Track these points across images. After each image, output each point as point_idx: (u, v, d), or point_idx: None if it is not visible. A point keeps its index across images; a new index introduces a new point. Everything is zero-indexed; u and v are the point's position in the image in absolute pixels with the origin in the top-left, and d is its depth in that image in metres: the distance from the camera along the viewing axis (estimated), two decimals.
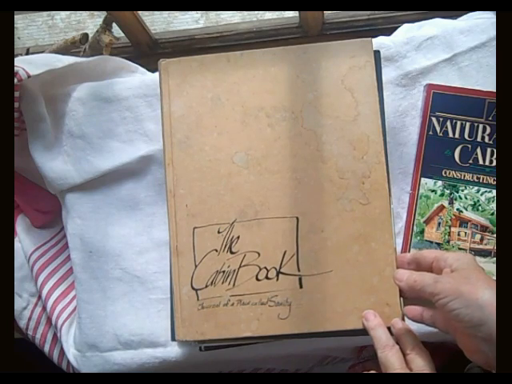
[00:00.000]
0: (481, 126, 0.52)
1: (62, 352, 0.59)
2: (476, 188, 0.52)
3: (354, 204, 0.49)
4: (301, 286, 0.48)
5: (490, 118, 0.52)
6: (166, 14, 0.94)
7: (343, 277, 0.48)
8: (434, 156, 0.53)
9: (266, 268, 0.49)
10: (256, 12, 0.91)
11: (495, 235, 0.51)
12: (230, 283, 0.49)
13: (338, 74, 0.50)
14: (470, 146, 0.52)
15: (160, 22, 0.94)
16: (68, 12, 0.97)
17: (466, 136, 0.52)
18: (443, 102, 0.53)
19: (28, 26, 0.97)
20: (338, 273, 0.48)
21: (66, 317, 0.58)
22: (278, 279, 0.48)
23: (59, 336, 0.58)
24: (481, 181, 0.52)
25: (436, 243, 0.52)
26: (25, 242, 0.61)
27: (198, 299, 0.49)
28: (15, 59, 0.52)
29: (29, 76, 0.51)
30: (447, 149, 0.53)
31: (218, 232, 0.49)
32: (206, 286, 0.49)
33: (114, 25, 0.68)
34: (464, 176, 0.52)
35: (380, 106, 0.50)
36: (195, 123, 0.51)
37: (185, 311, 0.49)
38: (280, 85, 0.50)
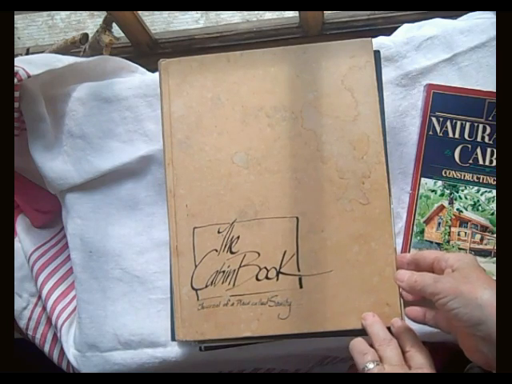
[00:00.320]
0: (481, 125, 0.52)
1: (62, 352, 0.59)
2: (476, 188, 0.52)
3: (354, 204, 0.49)
4: (301, 286, 0.48)
5: (490, 118, 0.52)
6: (166, 13, 0.94)
7: (343, 277, 0.48)
8: (434, 156, 0.53)
9: (266, 268, 0.49)
10: (256, 12, 0.91)
11: (495, 235, 0.51)
12: (230, 283, 0.49)
13: (338, 74, 0.50)
14: (469, 146, 0.52)
15: (160, 22, 0.94)
16: (68, 12, 0.97)
17: (466, 136, 0.52)
18: (443, 101, 0.53)
19: (28, 26, 0.97)
20: (337, 273, 0.48)
21: (65, 317, 0.58)
22: (277, 279, 0.49)
23: (59, 336, 0.58)
24: (481, 181, 0.52)
25: (436, 243, 0.52)
26: (25, 241, 0.61)
27: (198, 299, 0.49)
28: (15, 59, 0.52)
29: (29, 76, 0.51)
30: (447, 149, 0.53)
31: (218, 232, 0.49)
32: (206, 286, 0.49)
33: (114, 25, 0.68)
34: (464, 176, 0.52)
35: (380, 106, 0.50)
36: (195, 123, 0.51)
37: (185, 311, 0.49)
38: (280, 85, 0.50)
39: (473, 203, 0.52)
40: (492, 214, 0.52)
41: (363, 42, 0.50)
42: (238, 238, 0.49)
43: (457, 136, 0.53)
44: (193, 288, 0.49)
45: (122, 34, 0.70)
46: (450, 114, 0.53)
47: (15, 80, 0.50)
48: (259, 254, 0.49)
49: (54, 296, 0.59)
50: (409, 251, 0.53)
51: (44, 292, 0.59)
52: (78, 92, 0.57)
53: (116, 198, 0.56)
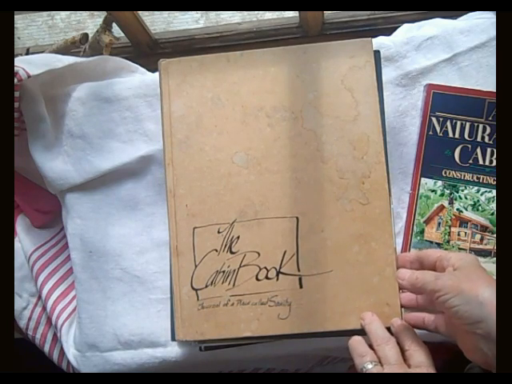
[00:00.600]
0: (481, 125, 0.52)
1: (62, 352, 0.59)
2: (476, 188, 0.52)
3: (354, 204, 0.49)
4: (301, 286, 0.48)
5: (490, 118, 0.52)
6: (166, 13, 0.94)
7: (343, 277, 0.48)
8: (434, 156, 0.53)
9: (265, 268, 0.49)
10: (256, 12, 0.91)
11: (495, 235, 0.51)
12: (229, 283, 0.49)
13: (338, 74, 0.50)
14: (470, 146, 0.52)
15: (160, 22, 0.94)
16: (68, 12, 0.97)
17: (466, 136, 0.52)
18: (443, 101, 0.53)
19: (28, 26, 0.97)
20: (337, 273, 0.48)
21: (65, 317, 0.58)
22: (277, 279, 0.48)
23: (59, 336, 0.58)
24: (481, 181, 0.52)
25: (436, 243, 0.52)
26: (25, 241, 0.61)
27: (197, 299, 0.49)
28: (15, 59, 0.52)
29: (29, 76, 0.51)
30: (447, 149, 0.53)
31: (218, 232, 0.49)
32: (206, 286, 0.49)
33: (114, 25, 0.68)
34: (464, 176, 0.52)
35: (380, 106, 0.50)
36: (195, 123, 0.51)
37: (185, 311, 0.49)
38: (280, 85, 0.50)
39: (473, 203, 0.52)
40: (492, 214, 0.52)
41: (363, 41, 0.50)
42: (238, 237, 0.49)
43: (457, 136, 0.53)
44: (193, 288, 0.49)
45: (122, 34, 0.70)
46: (450, 114, 0.53)
47: (15, 80, 0.50)
48: (259, 254, 0.49)
49: (54, 296, 0.59)
50: (409, 251, 0.53)
51: (44, 292, 0.59)
52: (78, 92, 0.57)
53: (116, 198, 0.56)
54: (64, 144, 0.56)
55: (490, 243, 0.52)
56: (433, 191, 0.53)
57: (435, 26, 0.56)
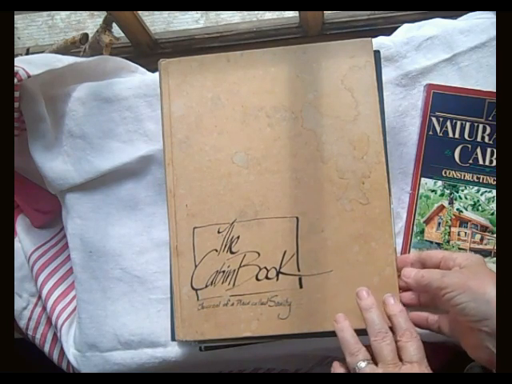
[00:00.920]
0: (481, 125, 0.52)
1: (62, 352, 0.59)
2: (476, 188, 0.52)
3: (354, 204, 0.49)
4: (301, 286, 0.48)
5: (490, 118, 0.52)
6: (166, 13, 0.94)
7: (343, 277, 0.48)
8: (434, 156, 0.53)
9: (265, 268, 0.49)
10: (256, 12, 0.91)
11: (495, 235, 0.51)
12: (229, 283, 0.49)
13: (338, 74, 0.50)
14: (470, 146, 0.52)
15: (160, 22, 0.94)
16: (68, 12, 0.97)
17: (466, 136, 0.52)
18: (443, 101, 0.53)
19: (28, 26, 0.97)
20: (337, 273, 0.48)
21: (65, 317, 0.58)
22: (277, 279, 0.49)
23: (59, 336, 0.58)
24: (481, 181, 0.52)
25: (436, 243, 0.52)
26: (25, 241, 0.61)
27: (197, 299, 0.49)
28: (15, 59, 0.52)
29: (29, 76, 0.51)
30: (447, 149, 0.53)
31: (218, 232, 0.49)
32: (206, 286, 0.49)
33: (114, 25, 0.68)
34: (464, 176, 0.52)
35: (380, 106, 0.50)
36: (195, 123, 0.51)
37: (185, 311, 0.49)
38: (280, 85, 0.50)
39: (473, 203, 0.52)
40: (492, 214, 0.52)
41: (363, 41, 0.50)
42: (238, 237, 0.49)
43: (457, 136, 0.53)
44: (193, 288, 0.49)
45: (122, 34, 0.70)
46: (450, 114, 0.53)
47: (15, 80, 0.50)
48: (259, 254, 0.49)
49: (54, 296, 0.59)
50: (409, 251, 0.53)
51: (44, 292, 0.59)
52: (78, 92, 0.57)
53: (116, 198, 0.56)
54: (64, 144, 0.56)
55: (490, 243, 0.52)
56: (433, 191, 0.53)
57: (435, 26, 0.56)
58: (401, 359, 0.42)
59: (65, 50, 0.69)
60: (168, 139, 0.51)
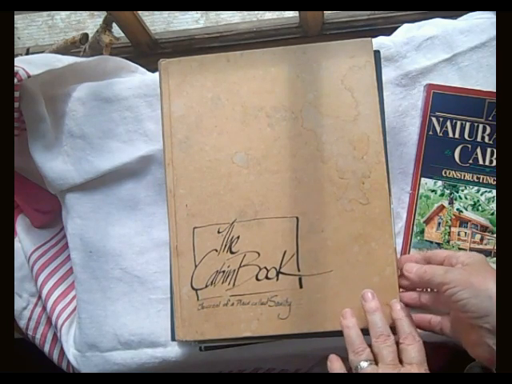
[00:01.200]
0: (481, 125, 0.52)
1: (62, 352, 0.59)
2: (476, 188, 0.52)
3: (354, 204, 0.49)
4: (301, 286, 0.48)
5: (490, 118, 0.52)
6: (166, 13, 0.94)
7: (343, 277, 0.48)
8: (434, 156, 0.53)
9: (265, 268, 0.49)
10: (256, 12, 0.91)
11: (495, 235, 0.51)
12: (229, 283, 0.49)
13: (338, 73, 0.50)
14: (470, 146, 0.52)
15: (160, 22, 0.94)
16: (68, 12, 0.97)
17: (466, 136, 0.52)
18: (443, 102, 0.53)
19: (28, 26, 0.97)
20: (337, 273, 0.48)
21: (65, 317, 0.58)
22: (277, 279, 0.49)
23: (59, 336, 0.58)
24: (481, 181, 0.52)
25: (436, 243, 0.52)
26: (25, 241, 0.61)
27: (197, 299, 0.49)
28: (15, 59, 0.52)
29: (29, 76, 0.51)
30: (447, 149, 0.53)
31: (218, 232, 0.49)
32: (206, 286, 0.49)
33: (114, 25, 0.68)
34: (464, 176, 0.52)
35: (380, 106, 0.50)
36: (195, 123, 0.51)
37: (185, 311, 0.49)
38: (280, 85, 0.50)
39: (473, 203, 0.52)
40: (492, 214, 0.52)
41: (363, 41, 0.50)
42: (238, 237, 0.49)
43: (457, 136, 0.53)
44: (193, 288, 0.49)
45: (122, 34, 0.70)
46: (450, 114, 0.53)
47: (15, 80, 0.50)
48: (259, 254, 0.49)
49: (54, 296, 0.59)
50: (409, 251, 0.53)
51: (44, 292, 0.59)
52: (78, 92, 0.57)
53: (116, 198, 0.56)
54: (64, 144, 0.56)
55: (490, 243, 0.52)
56: (433, 191, 0.53)
57: (435, 26, 0.56)
58: (401, 361, 0.42)
59: (65, 50, 0.69)
60: (168, 139, 0.51)
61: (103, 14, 0.67)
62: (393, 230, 0.49)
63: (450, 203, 0.52)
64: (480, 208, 0.52)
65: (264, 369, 0.62)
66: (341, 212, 0.49)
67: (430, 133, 0.53)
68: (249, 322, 0.48)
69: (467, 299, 0.38)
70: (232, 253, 0.49)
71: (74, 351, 0.57)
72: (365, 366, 0.42)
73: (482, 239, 0.52)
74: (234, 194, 0.50)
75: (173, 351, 0.54)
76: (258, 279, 0.49)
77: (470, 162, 0.52)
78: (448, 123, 0.53)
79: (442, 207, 0.52)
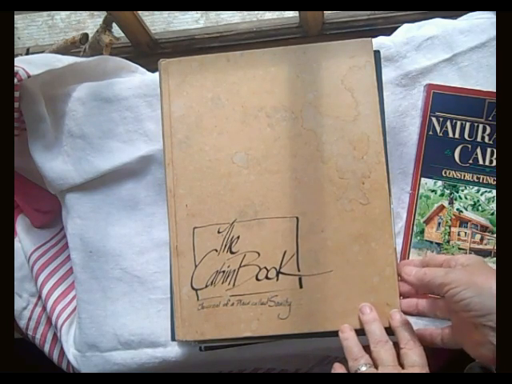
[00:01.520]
0: (481, 125, 0.52)
1: (62, 352, 0.59)
2: (476, 188, 0.52)
3: (354, 204, 0.49)
4: (301, 286, 0.48)
5: (490, 118, 0.52)
6: (166, 13, 0.94)
7: (343, 277, 0.48)
8: (434, 156, 0.53)
9: (265, 268, 0.49)
10: (256, 12, 0.91)
11: (495, 235, 0.51)
12: (229, 283, 0.49)
13: (338, 74, 0.50)
14: (470, 146, 0.52)
15: (160, 22, 0.94)
16: (68, 12, 0.97)
17: (466, 136, 0.52)
18: (443, 102, 0.53)
19: (28, 26, 0.97)
20: (337, 273, 0.48)
21: (65, 317, 0.58)
22: (277, 279, 0.49)
23: (59, 336, 0.58)
24: (481, 181, 0.52)
25: (436, 243, 0.52)
26: (25, 241, 0.61)
27: (197, 299, 0.49)
28: (15, 59, 0.52)
29: (29, 76, 0.51)
30: (447, 149, 0.53)
31: (218, 232, 0.49)
32: (206, 286, 0.49)
33: (114, 25, 0.68)
34: (464, 176, 0.52)
35: (380, 106, 0.50)
36: (195, 123, 0.51)
37: (185, 311, 0.49)
38: (280, 85, 0.50)
39: (473, 203, 0.52)
40: (492, 214, 0.52)
41: (363, 41, 0.50)
42: (238, 237, 0.49)
43: (457, 136, 0.53)
44: (193, 288, 0.49)
45: (122, 34, 0.70)
46: (450, 114, 0.53)
47: (15, 80, 0.50)
48: (259, 254, 0.49)
49: (54, 296, 0.59)
50: (409, 251, 0.53)
51: (44, 292, 0.59)
52: (78, 92, 0.57)
53: (116, 197, 0.56)
54: (64, 144, 0.56)
55: (490, 243, 0.52)
56: (433, 191, 0.53)
57: (435, 26, 0.56)
58: (402, 365, 0.42)
59: (65, 49, 0.69)
60: (168, 139, 0.51)
61: (103, 13, 0.67)
62: (393, 230, 0.49)
63: (450, 203, 0.52)
64: (480, 208, 0.52)
65: (264, 369, 0.62)
66: (341, 212, 0.49)
67: (430, 133, 0.53)
68: (249, 322, 0.48)
69: (470, 298, 0.38)
70: (232, 253, 0.49)
71: (74, 351, 0.57)
72: (364, 369, 0.42)
73: (481, 239, 0.52)
74: (234, 194, 0.50)
75: (173, 351, 0.54)
76: (258, 279, 0.49)
77: (470, 162, 0.52)
78: (448, 123, 0.53)
79: (441, 207, 0.52)
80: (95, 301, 0.56)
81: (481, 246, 0.52)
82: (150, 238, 0.56)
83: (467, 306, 0.39)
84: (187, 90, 0.51)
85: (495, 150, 0.52)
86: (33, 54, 0.74)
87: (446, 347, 0.45)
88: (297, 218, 0.49)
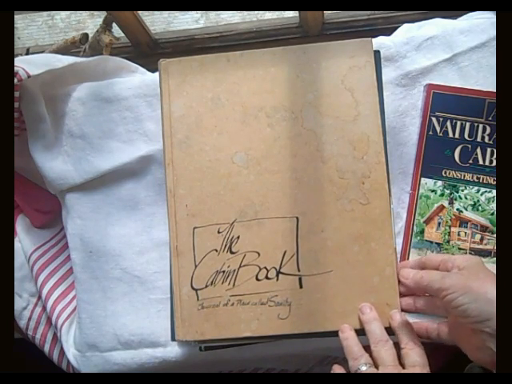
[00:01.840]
0: (481, 125, 0.52)
1: (62, 352, 0.59)
2: (476, 188, 0.52)
3: (354, 204, 0.49)
4: (301, 286, 0.48)
5: (490, 118, 0.52)
6: (166, 13, 0.94)
7: (343, 277, 0.48)
8: (434, 156, 0.53)
9: (265, 268, 0.49)
10: (256, 12, 0.91)
11: (495, 235, 0.51)
12: (229, 283, 0.49)
13: (338, 73, 0.50)
14: (469, 146, 0.52)
15: (160, 22, 0.94)
16: (68, 12, 0.97)
17: (466, 136, 0.52)
18: (443, 101, 0.53)
19: (28, 26, 0.97)
20: (337, 273, 0.48)
21: (65, 317, 0.58)
22: (277, 279, 0.49)
23: (59, 336, 0.58)
24: (481, 181, 0.52)
25: (436, 243, 0.52)
26: (25, 241, 0.61)
27: (197, 299, 0.49)
28: (15, 59, 0.52)
29: (29, 76, 0.51)
30: (447, 149, 0.53)
31: (218, 232, 0.49)
32: (206, 286, 0.49)
33: (114, 25, 0.68)
34: (464, 176, 0.52)
35: (380, 106, 0.50)
36: (195, 123, 0.51)
37: (185, 311, 0.49)
38: (280, 85, 0.50)
39: (473, 203, 0.52)
40: (492, 214, 0.52)
41: (363, 41, 0.50)
42: (238, 238, 0.49)
43: (457, 136, 0.53)
44: (193, 288, 0.49)
45: (122, 34, 0.70)
46: (450, 114, 0.53)
47: (15, 80, 0.50)
48: (259, 254, 0.49)
49: (54, 296, 0.59)
50: (409, 251, 0.53)
51: (44, 292, 0.59)
52: (78, 92, 0.57)
53: (116, 197, 0.56)
54: (64, 144, 0.56)
55: (490, 243, 0.52)
56: (433, 191, 0.53)
57: (435, 26, 0.56)
58: (403, 365, 0.42)
59: (65, 49, 0.69)
60: (168, 139, 0.51)
61: (103, 14, 0.67)
62: (393, 230, 0.49)
63: (450, 203, 0.52)
64: (480, 208, 0.52)
65: (264, 369, 0.62)
66: (341, 212, 0.49)
67: (430, 133, 0.53)
68: (249, 322, 0.48)
69: (467, 304, 0.38)
70: (232, 253, 0.49)
71: (73, 351, 0.57)
72: (364, 369, 0.42)
73: (481, 239, 0.52)
74: (234, 194, 0.50)
75: (173, 351, 0.54)
76: (258, 279, 0.49)
77: (470, 162, 0.52)
78: (448, 123, 0.53)
79: (441, 207, 0.52)
80: (95, 301, 0.56)
81: (481, 246, 0.52)
82: (149, 237, 0.56)
83: (465, 312, 0.38)
84: (187, 90, 0.51)
85: (495, 150, 0.52)
86: (33, 53, 0.74)
87: (441, 342, 0.45)
88: (297, 218, 0.49)
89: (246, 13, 0.92)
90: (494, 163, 0.52)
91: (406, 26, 0.59)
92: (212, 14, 0.93)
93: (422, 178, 0.53)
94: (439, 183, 0.53)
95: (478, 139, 0.52)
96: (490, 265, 0.51)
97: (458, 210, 0.52)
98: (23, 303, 0.60)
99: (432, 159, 0.53)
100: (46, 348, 0.61)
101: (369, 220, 0.48)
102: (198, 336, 0.49)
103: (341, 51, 0.50)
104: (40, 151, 0.55)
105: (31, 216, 0.62)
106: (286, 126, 0.50)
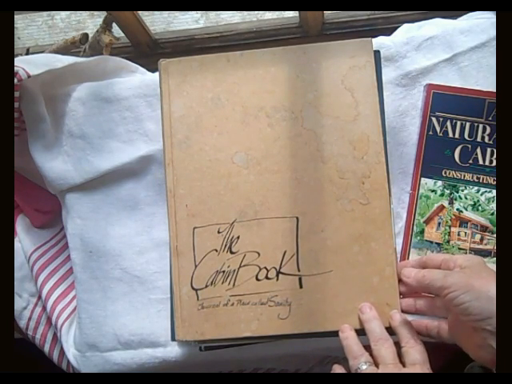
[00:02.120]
0: (481, 125, 0.52)
1: (62, 352, 0.59)
2: (476, 188, 0.52)
3: (354, 204, 0.49)
4: (301, 286, 0.48)
5: (490, 118, 0.52)
6: (166, 13, 0.94)
7: (343, 277, 0.48)
8: (434, 156, 0.53)
9: (265, 268, 0.49)
10: (256, 12, 0.91)
11: (495, 235, 0.51)
12: (229, 283, 0.49)
13: (338, 74, 0.50)
14: (470, 146, 0.52)
15: (160, 22, 0.94)
16: (68, 12, 0.97)
17: (466, 136, 0.52)
18: (443, 101, 0.53)
19: (28, 26, 0.97)
20: (337, 273, 0.48)
21: (65, 317, 0.58)
22: (277, 279, 0.49)
23: (59, 336, 0.58)
24: (481, 181, 0.52)
25: (436, 243, 0.52)
26: (25, 241, 0.61)
27: (197, 299, 0.49)
28: (15, 59, 0.52)
29: (29, 76, 0.51)
30: (447, 149, 0.53)
31: (218, 232, 0.49)
32: (206, 286, 0.49)
33: (114, 25, 0.68)
34: (464, 176, 0.52)
35: (380, 106, 0.50)
36: (195, 123, 0.51)
37: (185, 311, 0.49)
38: (280, 85, 0.50)
39: (473, 203, 0.52)
40: (492, 214, 0.52)
41: (363, 41, 0.50)
42: (238, 237, 0.49)
43: (457, 136, 0.53)
44: (193, 288, 0.49)
45: (122, 34, 0.70)
46: (450, 114, 0.53)
47: (15, 80, 0.50)
48: (259, 254, 0.49)
49: (54, 296, 0.59)
50: (409, 251, 0.53)
51: (44, 292, 0.59)
52: (78, 92, 0.57)
53: (116, 198, 0.56)
54: (64, 144, 0.56)
55: (490, 243, 0.52)
56: (433, 191, 0.53)
57: (435, 26, 0.56)
58: (403, 363, 0.42)
59: (65, 49, 0.70)
60: (168, 139, 0.51)
61: (103, 14, 0.67)
62: (393, 230, 0.49)
63: (450, 203, 0.52)
64: (480, 208, 0.52)
65: (264, 369, 0.62)
66: (341, 212, 0.49)
67: (430, 133, 0.53)
68: (249, 322, 0.48)
69: (469, 302, 0.38)
70: (232, 253, 0.49)
71: (73, 351, 0.57)
72: (364, 368, 0.42)
73: (481, 239, 0.52)
74: (234, 194, 0.50)
75: (173, 351, 0.54)
76: (258, 279, 0.49)
77: (470, 162, 0.52)
78: (448, 123, 0.53)
79: (441, 207, 0.52)
80: (95, 301, 0.56)
81: (481, 246, 0.52)
82: (149, 237, 0.56)
83: (466, 310, 0.38)
84: (187, 90, 0.51)
85: (495, 150, 0.52)
86: (33, 53, 0.74)
87: (441, 341, 0.45)
88: (297, 218, 0.49)
89: (246, 13, 0.92)
90: (494, 163, 0.52)
91: (405, 25, 0.59)
92: (212, 14, 0.93)
93: (422, 178, 0.53)
94: (439, 183, 0.53)
95: (478, 139, 0.52)
96: (490, 265, 0.51)
97: (458, 210, 0.52)
98: (23, 303, 0.60)
99: (432, 159, 0.53)
100: (46, 348, 0.61)
101: (369, 220, 0.48)
102: (198, 336, 0.49)
103: (341, 51, 0.50)
104: (40, 151, 0.55)
105: (31, 216, 0.62)
106: (286, 126, 0.50)
